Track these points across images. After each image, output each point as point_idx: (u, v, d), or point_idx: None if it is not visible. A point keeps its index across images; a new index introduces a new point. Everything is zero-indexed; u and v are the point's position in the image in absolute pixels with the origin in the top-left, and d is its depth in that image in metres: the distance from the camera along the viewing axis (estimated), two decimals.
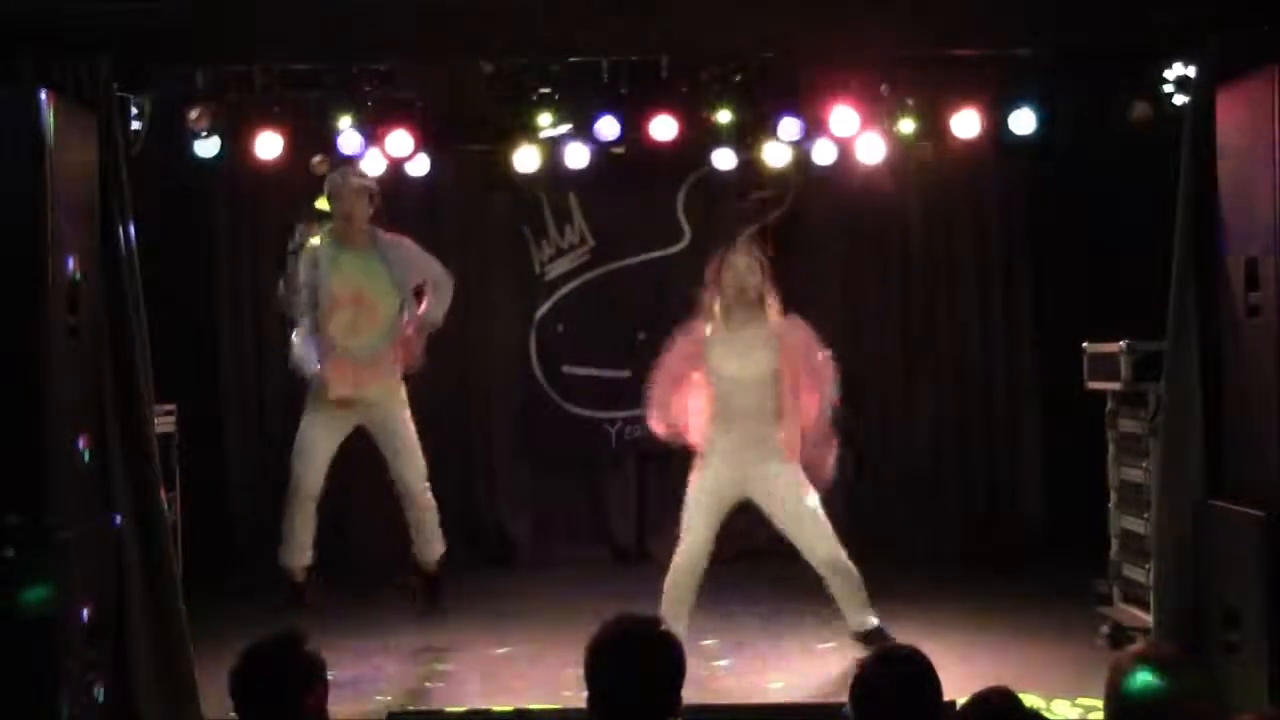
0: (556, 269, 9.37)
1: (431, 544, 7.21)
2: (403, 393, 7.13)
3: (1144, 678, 3.09)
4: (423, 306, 7.12)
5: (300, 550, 7.01)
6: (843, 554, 6.50)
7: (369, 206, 7.00)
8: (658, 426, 6.74)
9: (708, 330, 6.57)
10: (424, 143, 7.92)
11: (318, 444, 7.06)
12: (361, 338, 6.94)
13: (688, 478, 6.65)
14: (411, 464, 7.11)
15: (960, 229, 9.40)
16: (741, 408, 6.46)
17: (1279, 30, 5.27)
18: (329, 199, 7.06)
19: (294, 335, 7.13)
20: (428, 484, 7.17)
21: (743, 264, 6.57)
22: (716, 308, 6.56)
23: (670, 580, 6.48)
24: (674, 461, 9.29)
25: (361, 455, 9.23)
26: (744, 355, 6.48)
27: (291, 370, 7.21)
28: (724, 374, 6.49)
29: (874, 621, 6.46)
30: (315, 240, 7.06)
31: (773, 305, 6.59)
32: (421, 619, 7.25)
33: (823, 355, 6.57)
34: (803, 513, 6.44)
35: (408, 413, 7.12)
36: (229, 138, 7.64)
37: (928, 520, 9.16)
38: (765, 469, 6.44)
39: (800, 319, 6.63)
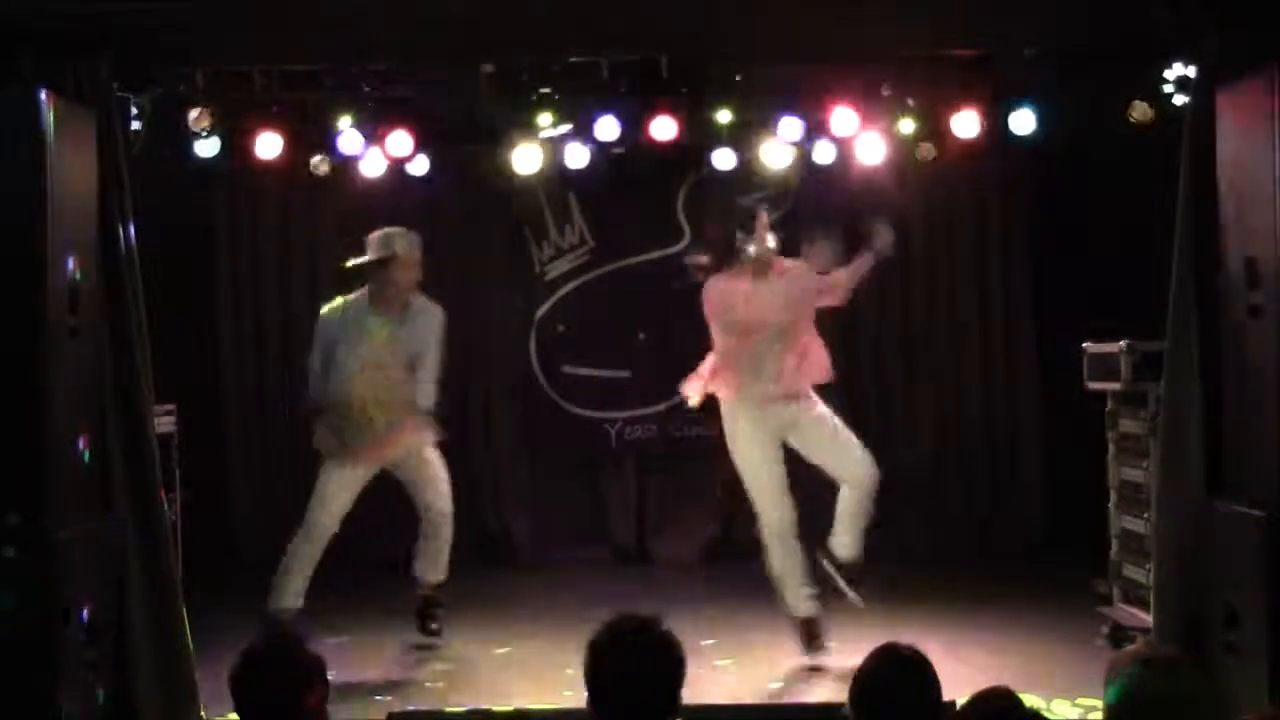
0: (556, 269, 9.38)
1: (440, 568, 7.16)
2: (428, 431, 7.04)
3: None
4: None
5: (295, 595, 6.82)
6: (875, 478, 6.67)
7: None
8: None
9: (734, 280, 6.65)
10: (424, 143, 7.92)
11: (340, 495, 6.98)
12: (385, 408, 6.87)
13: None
14: (442, 492, 7.09)
15: (960, 229, 9.40)
16: (764, 355, 6.57)
17: (1279, 30, 5.26)
18: (388, 260, 6.90)
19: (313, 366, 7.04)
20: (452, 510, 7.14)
21: (765, 221, 6.72)
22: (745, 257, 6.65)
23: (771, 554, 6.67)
24: (674, 462, 9.39)
25: None
26: (768, 299, 6.60)
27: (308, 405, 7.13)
28: (750, 319, 6.58)
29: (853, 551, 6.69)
30: (339, 301, 7.03)
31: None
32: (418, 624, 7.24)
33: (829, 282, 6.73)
34: (839, 437, 6.66)
35: (433, 444, 7.06)
36: (229, 138, 7.64)
37: (928, 520, 9.16)
38: (784, 413, 6.59)
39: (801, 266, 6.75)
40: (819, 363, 6.71)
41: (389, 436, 6.88)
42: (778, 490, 6.64)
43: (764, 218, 6.76)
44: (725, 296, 6.65)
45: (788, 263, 6.77)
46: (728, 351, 6.66)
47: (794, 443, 6.69)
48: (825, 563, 6.72)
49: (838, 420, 6.72)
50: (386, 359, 6.88)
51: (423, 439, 7.00)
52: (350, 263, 7.05)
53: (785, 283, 6.67)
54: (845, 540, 6.69)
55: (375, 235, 6.99)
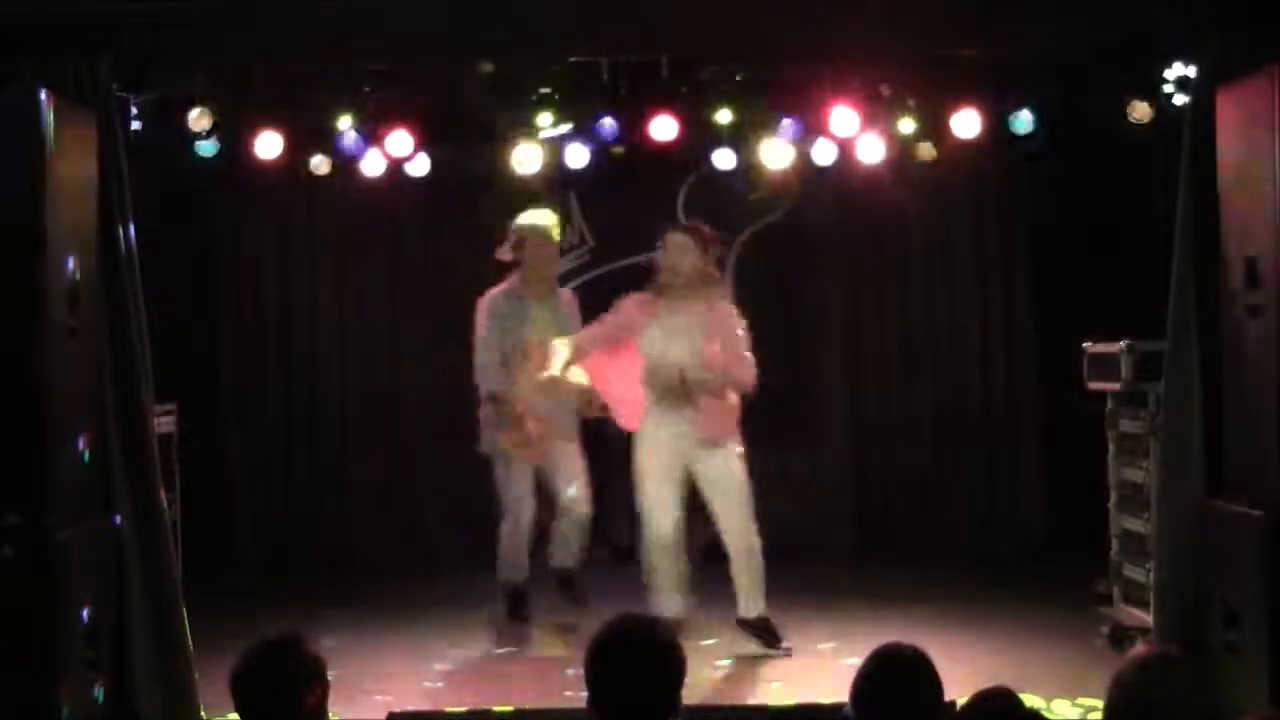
0: None
1: (574, 552, 7.37)
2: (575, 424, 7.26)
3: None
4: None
5: (521, 569, 7.32)
6: (758, 540, 6.66)
7: None
8: (580, 361, 6.79)
9: (645, 307, 6.65)
10: (424, 143, 7.92)
11: (522, 480, 7.26)
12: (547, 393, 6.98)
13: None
14: (582, 487, 7.26)
15: (960, 229, 9.39)
16: (670, 388, 6.55)
17: (1279, 30, 5.27)
18: (530, 242, 7.14)
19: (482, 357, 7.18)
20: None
21: (677, 242, 6.62)
22: (656, 286, 6.64)
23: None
24: None
25: (358, 456, 9.28)
26: (670, 339, 6.54)
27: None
28: (652, 355, 6.57)
29: (762, 608, 6.67)
30: (496, 291, 7.20)
31: (716, 288, 6.70)
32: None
33: (741, 355, 6.59)
34: (731, 494, 6.60)
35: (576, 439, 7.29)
36: (229, 138, 7.64)
37: (928, 520, 9.16)
38: (696, 449, 6.58)
39: (733, 313, 6.66)
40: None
41: (545, 425, 7.06)
42: (666, 503, 6.64)
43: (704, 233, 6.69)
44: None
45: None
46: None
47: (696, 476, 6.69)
48: (742, 630, 6.70)
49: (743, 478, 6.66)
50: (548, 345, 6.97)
51: (574, 429, 7.21)
52: (502, 251, 7.26)
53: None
54: (746, 603, 6.67)
55: (520, 219, 7.20)
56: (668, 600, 6.67)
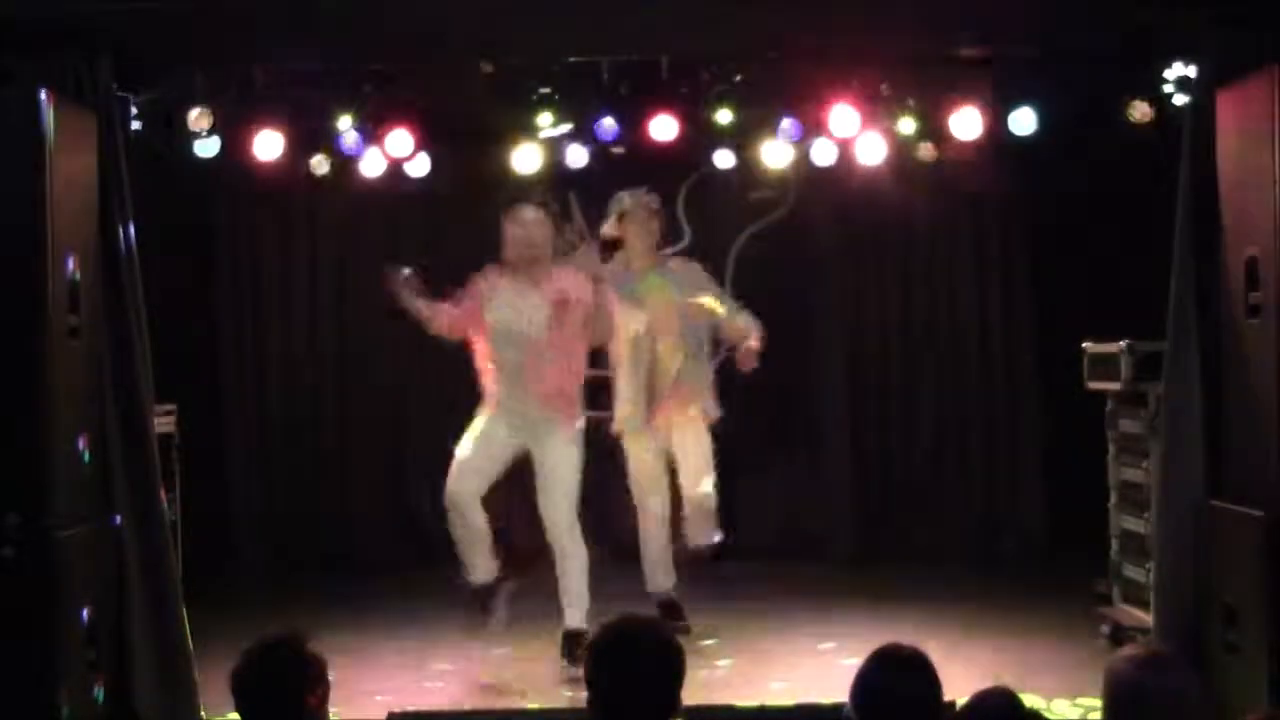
0: None
1: (708, 535, 7.26)
2: (693, 410, 7.13)
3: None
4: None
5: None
6: (579, 533, 6.66)
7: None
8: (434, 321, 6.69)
9: (493, 283, 6.62)
10: (424, 143, 7.91)
11: (657, 463, 7.17)
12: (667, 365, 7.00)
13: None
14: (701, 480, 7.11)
15: (960, 229, 9.40)
16: (516, 367, 6.53)
17: (1279, 30, 5.27)
18: (623, 217, 7.11)
19: None
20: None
21: (529, 216, 6.60)
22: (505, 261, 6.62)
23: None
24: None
25: (358, 456, 9.29)
26: (519, 314, 6.54)
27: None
28: (498, 330, 6.55)
29: (579, 620, 6.59)
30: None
31: (571, 263, 6.66)
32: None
33: (600, 295, 6.60)
34: (558, 482, 6.57)
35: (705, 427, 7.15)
36: (229, 138, 7.63)
37: (928, 520, 9.16)
38: (536, 430, 6.55)
39: (588, 279, 6.65)
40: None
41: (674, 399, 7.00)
42: (476, 465, 6.55)
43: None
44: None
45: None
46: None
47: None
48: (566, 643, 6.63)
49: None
50: (660, 319, 6.97)
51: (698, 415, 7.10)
52: (604, 231, 7.22)
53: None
54: (568, 611, 6.64)
55: (621, 194, 7.18)
56: (471, 562, 6.62)
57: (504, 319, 6.56)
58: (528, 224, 6.59)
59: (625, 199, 7.14)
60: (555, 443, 6.58)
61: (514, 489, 9.31)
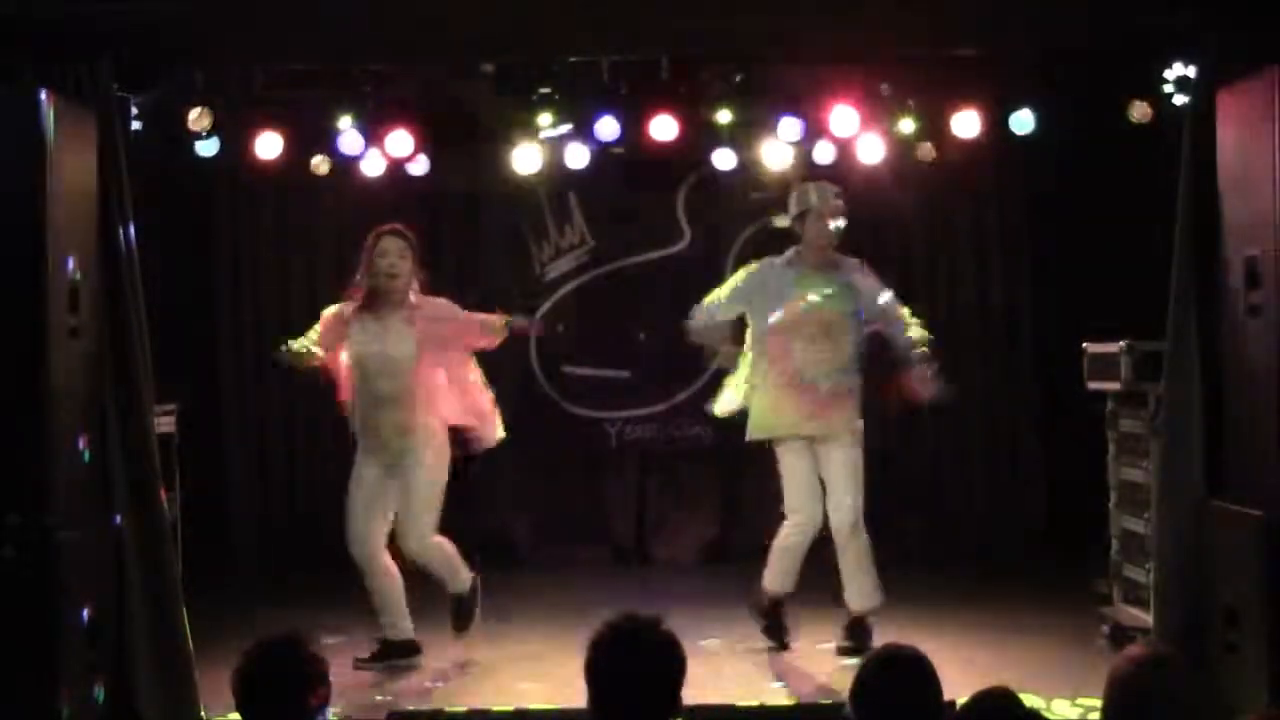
0: (556, 269, 9.38)
1: (863, 591, 6.74)
2: (858, 424, 6.80)
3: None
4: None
5: (788, 577, 6.75)
6: (432, 548, 6.66)
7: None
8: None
9: (353, 311, 6.61)
10: (424, 143, 7.92)
11: (810, 476, 6.76)
12: (825, 366, 6.66)
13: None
14: (844, 503, 6.77)
15: (960, 229, 9.40)
16: (378, 394, 6.53)
17: (1279, 30, 5.27)
18: (805, 213, 6.70)
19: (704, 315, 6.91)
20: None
21: (395, 248, 6.58)
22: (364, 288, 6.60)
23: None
24: (674, 461, 9.39)
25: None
26: (381, 340, 6.53)
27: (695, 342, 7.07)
28: (362, 358, 6.55)
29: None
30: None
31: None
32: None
33: (468, 317, 6.65)
34: (419, 507, 6.56)
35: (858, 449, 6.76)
36: (229, 138, 7.64)
37: (928, 520, 9.16)
38: (404, 458, 6.54)
39: (443, 300, 6.67)
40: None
41: (830, 401, 6.68)
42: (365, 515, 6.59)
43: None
44: None
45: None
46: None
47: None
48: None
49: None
50: (817, 318, 6.64)
51: (852, 429, 6.78)
52: (780, 219, 7.00)
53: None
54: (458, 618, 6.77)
55: (806, 186, 6.83)
56: (389, 619, 6.64)
57: (367, 351, 6.54)
58: (389, 253, 6.55)
59: (812, 195, 6.71)
60: (413, 465, 6.54)
61: (515, 489, 9.36)
